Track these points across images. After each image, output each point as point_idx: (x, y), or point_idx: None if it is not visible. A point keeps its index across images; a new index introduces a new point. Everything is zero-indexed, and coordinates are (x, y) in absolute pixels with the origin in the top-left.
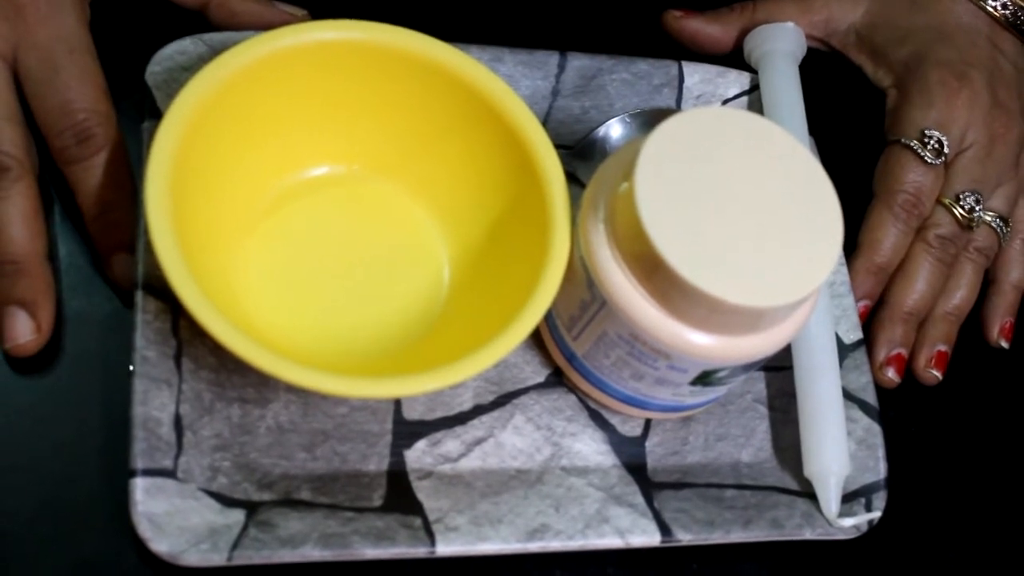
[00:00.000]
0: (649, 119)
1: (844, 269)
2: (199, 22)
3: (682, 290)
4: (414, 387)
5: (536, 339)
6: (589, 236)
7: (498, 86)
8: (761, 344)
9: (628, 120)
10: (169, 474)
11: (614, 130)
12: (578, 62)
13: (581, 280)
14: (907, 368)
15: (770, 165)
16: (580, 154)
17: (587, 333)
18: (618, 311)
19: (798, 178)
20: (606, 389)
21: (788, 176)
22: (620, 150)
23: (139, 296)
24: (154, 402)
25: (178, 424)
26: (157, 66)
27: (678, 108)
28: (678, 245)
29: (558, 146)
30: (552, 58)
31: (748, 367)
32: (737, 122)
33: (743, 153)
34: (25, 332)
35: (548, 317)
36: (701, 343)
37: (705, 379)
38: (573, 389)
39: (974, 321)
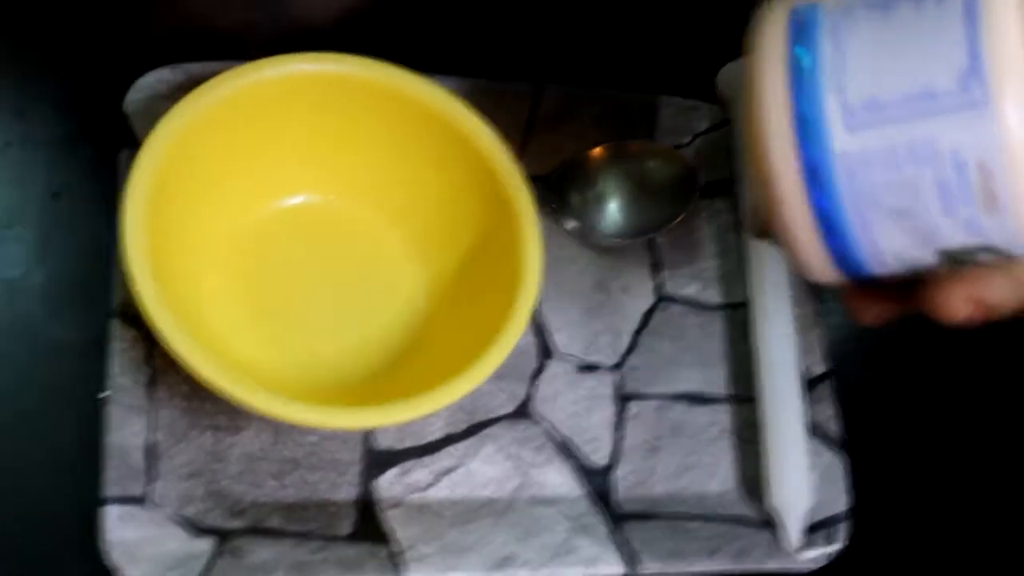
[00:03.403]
0: (623, 151)
1: (810, 303)
2: (179, 51)
3: None
4: (384, 418)
5: (506, 368)
6: None
7: (471, 119)
8: None
9: (602, 151)
10: (141, 501)
11: (587, 161)
12: (553, 94)
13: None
14: (874, 400)
15: None
16: (553, 185)
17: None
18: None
19: None
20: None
21: None
22: None
23: (114, 324)
24: (127, 429)
25: (150, 452)
26: (136, 94)
27: (652, 139)
28: None
29: (533, 177)
30: (528, 89)
31: None
32: None
33: None
34: None
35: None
36: None
37: (959, 256)
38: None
39: (941, 349)
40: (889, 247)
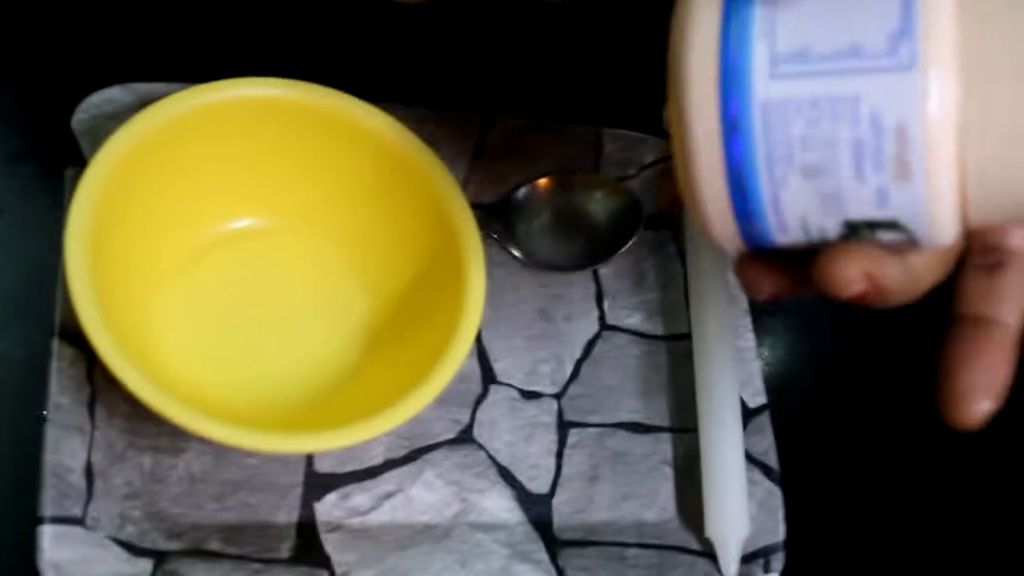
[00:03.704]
0: (569, 181)
1: (751, 335)
2: (128, 70)
3: None
4: (324, 443)
5: (448, 394)
6: None
7: (417, 147)
8: None
9: (548, 182)
10: (78, 522)
11: (533, 191)
12: (501, 124)
13: None
14: (811, 432)
15: None
16: (499, 213)
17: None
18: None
19: None
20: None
21: None
22: None
23: (55, 342)
24: (66, 449)
25: (89, 472)
26: (84, 113)
27: (597, 171)
28: None
29: (478, 205)
30: (475, 120)
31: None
32: None
33: None
34: None
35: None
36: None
37: (862, 231)
38: None
39: (877, 382)
40: (795, 210)
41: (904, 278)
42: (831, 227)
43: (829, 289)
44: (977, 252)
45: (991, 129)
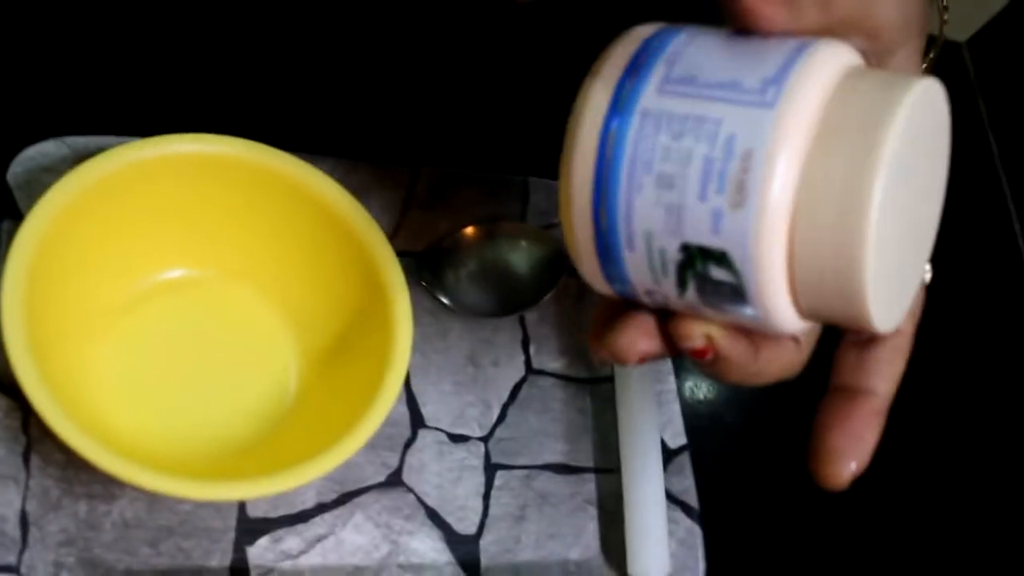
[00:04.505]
0: (495, 230)
1: (671, 379)
2: (63, 124)
3: None
4: (256, 490)
5: (378, 439)
6: None
7: (345, 199)
8: None
9: (475, 230)
10: (12, 570)
11: (461, 240)
12: (429, 174)
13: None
14: (727, 470)
15: None
16: (428, 262)
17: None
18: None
19: None
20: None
21: None
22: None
23: None
24: (1, 498)
25: (24, 520)
26: (19, 167)
27: (523, 219)
28: None
29: (408, 254)
30: (405, 170)
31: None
32: None
33: None
34: None
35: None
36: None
37: (698, 274)
38: None
39: (790, 424)
40: (643, 222)
41: (745, 355)
42: (671, 250)
43: (674, 338)
44: (853, 330)
45: (823, 192)
